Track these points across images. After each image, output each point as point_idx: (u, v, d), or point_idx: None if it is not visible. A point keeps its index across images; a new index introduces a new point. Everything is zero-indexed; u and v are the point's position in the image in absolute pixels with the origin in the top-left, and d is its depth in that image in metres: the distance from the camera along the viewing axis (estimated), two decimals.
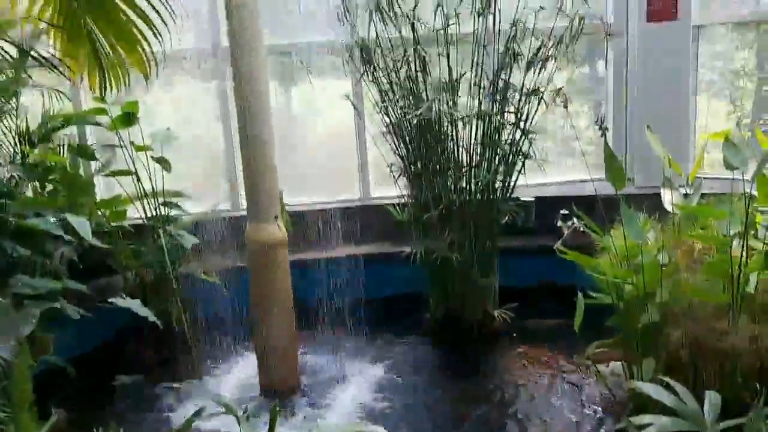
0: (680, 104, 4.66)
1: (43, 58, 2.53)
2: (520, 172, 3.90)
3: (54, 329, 3.14)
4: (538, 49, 3.74)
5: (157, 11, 2.02)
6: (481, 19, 3.77)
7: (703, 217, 2.95)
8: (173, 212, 3.93)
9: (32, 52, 2.36)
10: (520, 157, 3.86)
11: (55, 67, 2.48)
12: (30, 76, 3.04)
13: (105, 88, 2.18)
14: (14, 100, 3.53)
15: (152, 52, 2.13)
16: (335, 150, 5.11)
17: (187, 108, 4.98)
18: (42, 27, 2.03)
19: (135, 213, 4.00)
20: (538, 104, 3.76)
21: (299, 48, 4.59)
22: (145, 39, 2.09)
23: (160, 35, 2.10)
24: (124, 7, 1.99)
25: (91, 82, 2.21)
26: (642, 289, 2.79)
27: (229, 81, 4.46)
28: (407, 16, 3.81)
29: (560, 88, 3.64)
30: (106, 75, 2.16)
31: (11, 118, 3.59)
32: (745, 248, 2.62)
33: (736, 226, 2.74)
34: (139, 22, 2.04)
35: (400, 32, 3.84)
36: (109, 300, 3.07)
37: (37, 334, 3.03)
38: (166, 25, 2.08)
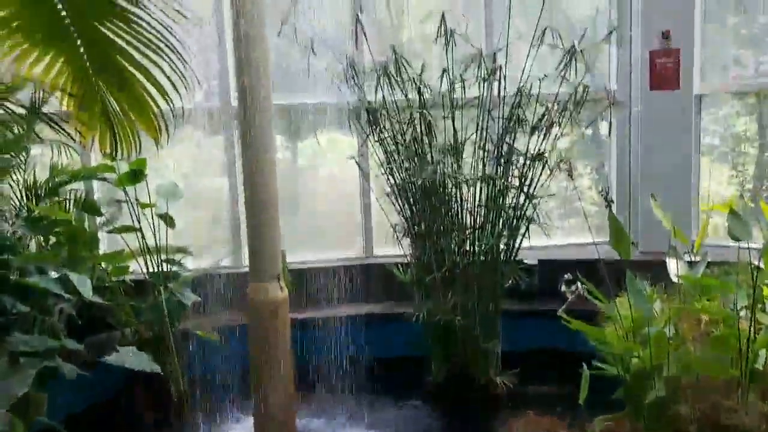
0: (683, 169, 4.69)
1: (54, 122, 2.56)
2: (523, 236, 3.89)
3: (51, 387, 3.08)
4: (543, 115, 3.79)
5: (170, 79, 2.05)
6: (486, 84, 3.84)
7: (710, 290, 2.93)
8: (175, 269, 3.91)
9: (44, 114, 2.40)
10: (524, 221, 3.87)
11: (67, 132, 2.52)
12: (37, 135, 3.08)
13: (115, 151, 2.20)
14: (23, 154, 3.58)
15: (163, 119, 2.15)
16: (339, 207, 5.12)
17: (194, 161, 5.02)
18: (56, 93, 2.06)
19: (138, 267, 3.97)
20: (542, 169, 3.79)
21: (308, 108, 4.66)
22: (157, 105, 2.11)
23: (172, 102, 2.13)
24: (138, 75, 2.02)
25: (102, 144, 2.23)
26: (649, 362, 2.74)
27: (237, 139, 4.56)
28: (414, 81, 3.88)
29: (564, 157, 3.67)
30: (117, 138, 2.17)
31: (20, 172, 3.63)
32: (753, 323, 2.59)
33: (744, 300, 2.72)
34: (151, 89, 2.07)
35: (406, 96, 3.90)
36: (101, 358, 3.03)
37: (31, 394, 2.97)
38: (177, 92, 2.11)
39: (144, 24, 1.91)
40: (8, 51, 2.02)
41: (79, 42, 1.96)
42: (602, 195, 2.69)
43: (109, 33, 1.93)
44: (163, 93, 2.10)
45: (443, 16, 3.83)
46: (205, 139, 4.88)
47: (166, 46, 2.00)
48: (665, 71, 4.51)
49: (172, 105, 2.15)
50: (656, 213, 3.16)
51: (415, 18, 5.26)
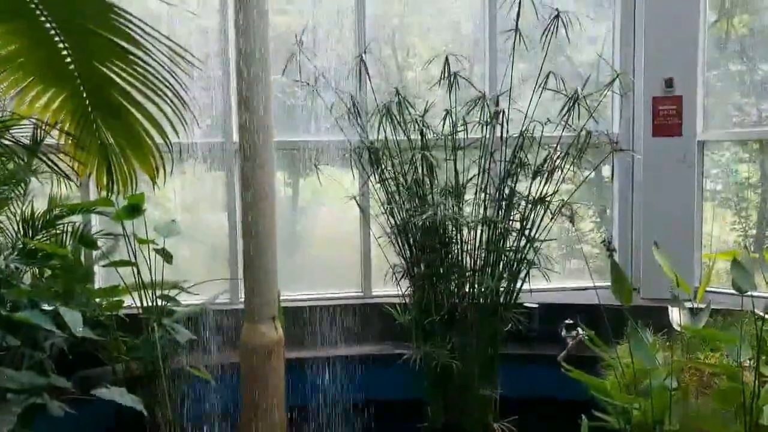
0: (685, 215, 4.67)
1: (49, 159, 2.56)
2: (524, 279, 3.85)
3: (39, 426, 3.01)
4: (545, 159, 3.77)
5: (168, 118, 2.04)
6: (488, 127, 3.83)
7: (713, 341, 2.88)
8: (170, 305, 3.86)
9: (41, 150, 2.40)
10: (524, 264, 3.82)
11: (61, 170, 2.51)
12: (36, 169, 3.06)
13: (112, 189, 2.18)
14: (22, 186, 3.57)
15: (161, 157, 2.14)
16: (339, 245, 5.09)
17: (195, 195, 5.01)
18: (53, 132, 2.06)
19: (132, 301, 3.93)
20: (544, 213, 3.76)
21: (309, 146, 4.67)
22: (154, 144, 2.10)
23: (169, 142, 2.12)
24: (136, 113, 2.01)
25: (98, 180, 2.22)
26: (650, 415, 2.67)
27: (237, 175, 4.55)
28: (416, 122, 3.88)
29: (566, 202, 3.65)
30: (114, 175, 2.16)
31: (17, 204, 3.61)
32: (757, 376, 2.53)
33: (748, 351, 2.67)
34: (150, 128, 2.06)
35: (408, 136, 3.90)
36: (92, 392, 2.97)
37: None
38: (176, 131, 2.10)
39: (144, 64, 1.90)
40: (8, 87, 2.02)
41: (79, 81, 1.96)
42: (605, 244, 2.65)
43: (109, 73, 1.92)
44: (162, 132, 2.09)
45: (447, 59, 3.85)
46: (206, 173, 4.87)
47: (166, 86, 1.99)
48: (668, 118, 4.51)
49: (169, 145, 2.14)
50: (658, 260, 3.13)
51: (419, 58, 5.31)
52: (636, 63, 4.75)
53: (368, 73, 4.06)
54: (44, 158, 2.66)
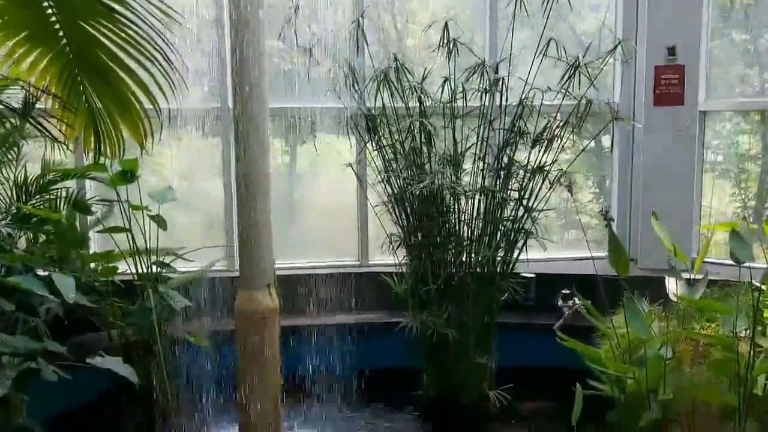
0: (685, 186, 4.63)
1: (38, 122, 2.52)
2: (521, 249, 3.82)
3: (31, 389, 3.02)
4: (544, 128, 3.72)
5: (156, 81, 1.99)
6: (488, 95, 3.77)
7: (709, 311, 2.87)
8: (165, 271, 3.84)
9: (32, 115, 2.36)
10: (522, 234, 3.80)
11: (49, 133, 2.47)
12: (28, 134, 3.02)
13: (100, 152, 2.14)
14: (14, 150, 3.53)
15: (149, 122, 2.10)
16: (335, 214, 5.06)
17: (190, 162, 4.96)
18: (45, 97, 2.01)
19: (127, 268, 3.91)
20: (542, 182, 3.72)
21: (306, 112, 4.60)
22: (144, 110, 2.06)
23: (157, 105, 2.07)
24: (123, 76, 1.96)
25: (86, 144, 2.17)
26: (644, 385, 2.67)
27: (232, 142, 4.50)
28: (414, 89, 3.82)
29: (564, 171, 3.61)
30: (102, 140, 2.11)
31: (10, 169, 3.57)
32: (752, 347, 2.52)
33: (744, 322, 2.66)
34: (137, 91, 2.01)
35: (406, 104, 3.84)
36: (88, 360, 2.97)
37: (10, 396, 2.92)
38: (165, 98, 2.05)
39: (132, 24, 1.85)
40: None
41: (65, 41, 1.91)
42: (602, 214, 2.62)
43: (95, 32, 1.87)
44: (150, 97, 2.04)
45: (446, 25, 3.77)
46: (203, 140, 4.82)
47: (155, 48, 1.94)
48: (670, 87, 4.44)
49: (158, 109, 2.09)
50: (656, 230, 3.10)
51: (418, 25, 5.22)
52: (639, 31, 4.66)
53: (366, 39, 3.98)
54: (33, 122, 2.61)
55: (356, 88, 3.95)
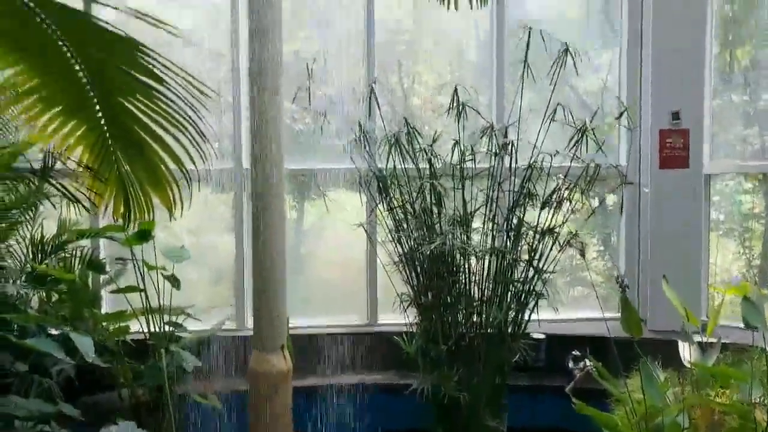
0: (693, 247, 4.67)
1: (65, 188, 2.58)
2: (532, 311, 3.84)
3: None
4: (553, 190, 3.79)
5: (187, 151, 2.06)
6: (497, 157, 3.86)
7: (724, 377, 2.87)
8: (176, 331, 3.85)
9: (53, 178, 2.43)
10: (532, 295, 3.82)
11: (76, 199, 2.53)
12: (46, 194, 3.08)
13: (129, 219, 2.19)
14: (32, 210, 3.58)
15: (179, 190, 2.16)
16: (345, 271, 5.08)
17: (201, 218, 5.01)
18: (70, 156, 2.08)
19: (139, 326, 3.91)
20: (552, 244, 3.77)
21: (318, 173, 4.69)
22: (173, 177, 2.12)
23: (188, 173, 2.13)
24: (155, 146, 2.03)
25: (115, 212, 2.23)
26: None
27: (246, 199, 4.57)
28: (425, 151, 3.91)
29: (575, 234, 3.66)
30: (132, 207, 2.17)
31: (27, 228, 3.62)
32: None
33: (759, 388, 2.66)
34: (168, 160, 2.08)
35: (417, 165, 3.92)
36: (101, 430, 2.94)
37: None
38: (194, 163, 2.11)
39: (165, 99, 1.93)
40: (29, 120, 2.04)
41: (100, 114, 1.98)
42: (617, 282, 2.65)
43: (131, 106, 1.94)
44: (179, 164, 2.11)
45: (456, 89, 3.89)
46: (212, 195, 4.89)
47: (185, 119, 2.01)
48: (675, 150, 4.54)
49: (188, 176, 2.16)
50: (668, 295, 3.13)
51: (424, 86, 5.36)
52: (643, 95, 4.78)
53: (378, 103, 4.10)
54: (56, 185, 2.68)
55: (368, 150, 4.04)
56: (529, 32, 3.76)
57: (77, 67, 1.82)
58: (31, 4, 1.53)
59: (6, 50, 1.79)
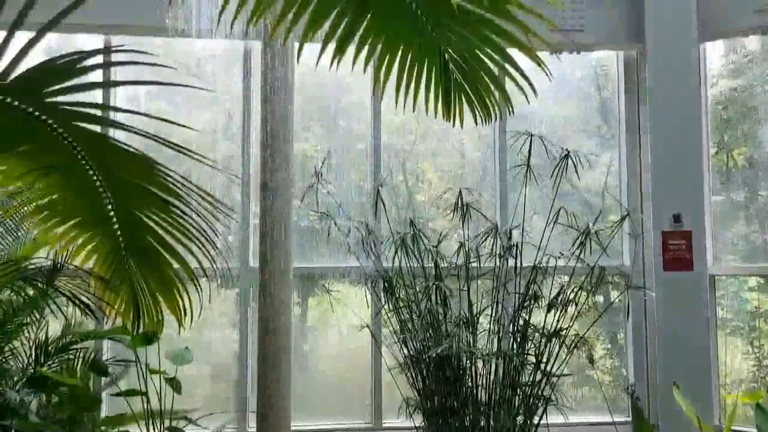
0: (701, 348, 4.61)
1: (74, 296, 2.61)
2: (541, 417, 3.76)
3: None
4: (559, 292, 3.80)
5: (199, 262, 2.09)
6: (501, 259, 3.90)
7: None
8: None
9: (59, 285, 2.47)
10: (541, 400, 3.75)
11: (85, 305, 2.55)
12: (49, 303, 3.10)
13: (137, 326, 2.20)
14: (37, 312, 3.58)
15: (189, 300, 2.17)
16: (349, 372, 5.00)
17: (206, 313, 4.96)
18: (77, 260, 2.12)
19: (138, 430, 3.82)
20: (560, 348, 3.74)
21: (324, 272, 4.72)
22: (185, 289, 2.14)
23: (200, 286, 2.16)
24: (169, 258, 2.06)
25: (125, 318, 2.23)
26: None
27: (252, 298, 4.57)
28: (430, 252, 3.95)
29: (581, 337, 3.64)
30: (141, 316, 2.18)
31: (31, 329, 3.61)
32: None
33: None
34: (180, 271, 2.11)
35: (422, 265, 3.95)
36: None
37: None
38: (205, 274, 2.14)
39: (182, 213, 1.98)
40: (45, 231, 2.08)
41: (116, 226, 2.03)
42: (629, 392, 2.62)
43: (146, 219, 1.99)
44: (191, 275, 2.13)
45: (461, 192, 3.98)
46: (216, 290, 4.88)
47: (199, 231, 2.06)
48: (678, 252, 4.57)
49: (199, 287, 2.18)
50: (680, 403, 3.07)
51: (428, 184, 5.47)
52: (644, 197, 4.86)
53: (384, 203, 4.18)
54: (65, 291, 2.70)
55: (373, 249, 4.08)
56: (531, 139, 3.88)
57: (98, 184, 1.88)
58: (59, 129, 1.61)
59: (28, 169, 1.86)
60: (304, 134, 5.19)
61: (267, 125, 3.31)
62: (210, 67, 5.05)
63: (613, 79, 5.22)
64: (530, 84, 1.93)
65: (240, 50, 4.82)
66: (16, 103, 1.49)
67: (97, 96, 4.12)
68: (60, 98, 1.47)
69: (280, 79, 3.51)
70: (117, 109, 3.05)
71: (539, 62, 1.87)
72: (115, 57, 4.35)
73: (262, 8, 1.77)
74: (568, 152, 3.85)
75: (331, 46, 1.83)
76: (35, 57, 1.49)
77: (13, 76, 1.47)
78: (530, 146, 3.90)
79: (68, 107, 1.48)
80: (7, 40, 1.45)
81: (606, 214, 5.02)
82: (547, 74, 1.90)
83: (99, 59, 1.66)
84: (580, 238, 3.79)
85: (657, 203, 4.67)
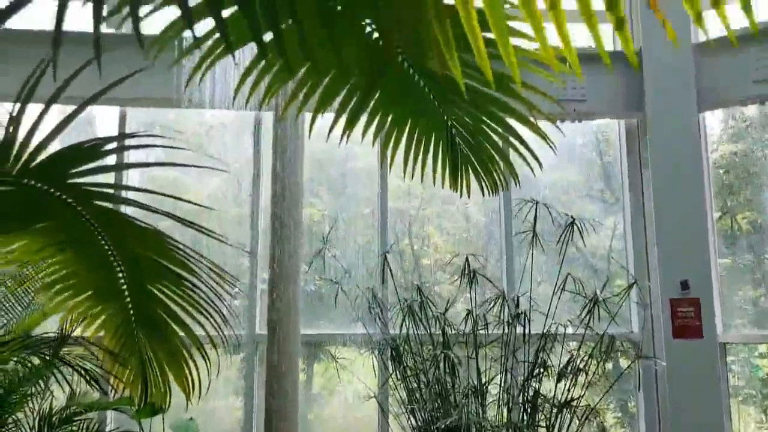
0: (714, 416, 4.51)
1: (82, 368, 2.60)
2: None
3: None
4: (568, 361, 3.76)
5: (209, 336, 2.09)
6: (510, 326, 3.88)
7: None
8: None
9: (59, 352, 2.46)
10: None
11: (93, 378, 2.54)
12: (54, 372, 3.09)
13: (146, 401, 2.19)
14: (41, 382, 3.55)
15: (198, 373, 2.17)
16: None
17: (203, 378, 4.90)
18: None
19: None
20: (571, 419, 3.67)
21: (330, 338, 4.68)
22: (193, 361, 2.14)
23: (208, 360, 2.16)
24: (178, 331, 2.07)
25: (132, 391, 2.22)
26: None
27: (257, 363, 4.52)
28: (438, 319, 3.93)
29: (593, 408, 3.58)
30: (149, 390, 2.17)
31: (36, 400, 3.57)
32: None
33: None
34: (189, 343, 2.11)
35: (430, 333, 3.93)
36: None
37: None
38: (215, 349, 2.14)
39: (193, 287, 2.00)
40: (56, 306, 2.10)
41: (128, 300, 2.04)
42: None
43: (158, 293, 2.01)
44: (201, 349, 2.13)
45: (467, 259, 3.99)
46: (221, 356, 4.82)
47: (209, 304, 2.07)
48: (687, 320, 4.53)
49: (208, 361, 2.17)
50: None
51: (435, 248, 5.48)
52: (650, 263, 4.86)
53: (391, 270, 4.19)
54: (72, 364, 2.70)
55: (380, 317, 4.07)
56: (536, 206, 3.92)
57: (112, 258, 1.91)
58: (78, 207, 1.65)
59: (45, 244, 1.89)
60: (311, 199, 5.26)
61: (277, 193, 3.36)
62: (220, 135, 5.16)
63: (615, 145, 5.30)
64: (534, 156, 1.99)
65: (251, 119, 4.94)
66: (39, 185, 1.54)
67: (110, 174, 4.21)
68: (79, 180, 1.52)
69: (291, 149, 3.59)
70: (130, 188, 3.11)
71: (544, 136, 1.94)
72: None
73: (273, 90, 1.84)
74: (573, 219, 3.88)
75: (342, 118, 1.89)
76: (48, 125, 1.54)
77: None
78: (535, 213, 3.93)
79: (87, 187, 1.52)
80: (42, 114, 1.50)
81: (612, 278, 5.01)
82: (551, 147, 1.95)
83: (115, 144, 1.72)
84: (588, 305, 3.78)
85: (664, 269, 4.65)
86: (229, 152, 5.12)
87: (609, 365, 5.10)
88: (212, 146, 5.13)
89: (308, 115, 1.86)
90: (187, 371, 2.14)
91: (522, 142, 2.00)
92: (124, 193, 1.94)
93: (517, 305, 3.91)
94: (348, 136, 1.95)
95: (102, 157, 1.51)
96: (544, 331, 3.81)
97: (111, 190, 1.59)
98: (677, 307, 4.56)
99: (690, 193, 4.72)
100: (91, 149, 1.44)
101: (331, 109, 1.86)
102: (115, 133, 4.62)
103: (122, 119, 4.81)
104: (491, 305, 3.93)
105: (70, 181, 1.49)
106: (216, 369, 2.25)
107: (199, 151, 4.65)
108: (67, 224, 1.75)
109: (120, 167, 2.78)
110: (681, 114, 4.75)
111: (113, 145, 1.61)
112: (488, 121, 1.96)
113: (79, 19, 1.61)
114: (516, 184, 2.17)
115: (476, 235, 5.52)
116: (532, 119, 1.88)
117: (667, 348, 4.56)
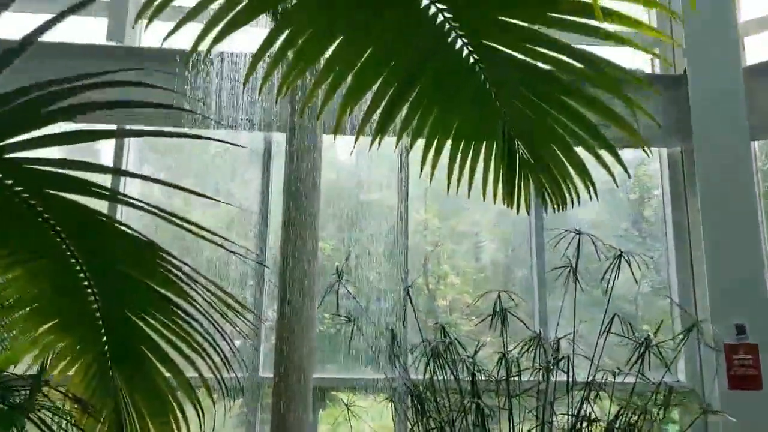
0: None
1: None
2: None
3: None
4: (617, 414, 3.27)
5: (202, 377, 1.65)
6: (547, 373, 3.40)
7: None
8: None
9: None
10: None
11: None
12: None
13: None
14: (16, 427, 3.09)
15: (186, 424, 1.72)
16: None
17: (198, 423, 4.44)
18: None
19: None
20: None
21: (344, 383, 4.22)
22: (180, 408, 1.69)
23: (200, 407, 1.71)
24: (163, 371, 1.63)
25: None
26: None
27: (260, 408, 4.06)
28: (466, 364, 3.47)
29: None
30: None
31: None
32: None
33: None
34: (176, 384, 1.67)
35: (457, 379, 3.46)
36: None
37: None
38: (210, 396, 1.70)
39: (183, 314, 1.56)
40: (19, 333, 1.67)
41: (103, 330, 1.61)
42: None
43: (141, 323, 1.58)
44: (193, 398, 1.69)
45: (499, 295, 3.55)
46: (217, 401, 4.37)
47: (204, 338, 1.63)
48: (744, 369, 4.01)
49: (201, 412, 1.72)
50: None
51: (453, 286, 5.08)
52: (698, 301, 4.39)
53: (413, 306, 3.76)
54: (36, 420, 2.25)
55: (400, 360, 3.61)
56: (579, 237, 3.49)
57: (82, 276, 1.49)
58: (32, 201, 1.23)
59: None
60: (320, 233, 4.85)
61: (289, 223, 2.96)
62: (227, 159, 4.79)
63: (656, 176, 4.91)
64: (590, 179, 1.64)
65: (260, 142, 4.59)
66: None
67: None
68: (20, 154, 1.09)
69: (304, 174, 3.20)
70: (120, 194, 2.69)
71: (620, 159, 1.58)
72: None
73: (291, 79, 1.44)
74: (621, 252, 3.44)
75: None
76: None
77: None
78: (578, 246, 3.49)
79: (29, 165, 1.10)
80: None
81: (638, 321, 4.57)
82: (625, 170, 1.62)
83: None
84: (639, 349, 3.31)
85: (716, 312, 4.16)
86: (237, 179, 4.77)
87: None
88: (218, 173, 4.79)
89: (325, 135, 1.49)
90: (173, 422, 1.70)
91: (598, 157, 1.63)
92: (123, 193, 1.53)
93: (557, 349, 3.44)
94: (380, 142, 1.56)
95: (52, 122, 1.06)
96: (588, 378, 3.33)
97: (68, 171, 1.15)
98: (733, 354, 4.05)
99: (743, 229, 4.26)
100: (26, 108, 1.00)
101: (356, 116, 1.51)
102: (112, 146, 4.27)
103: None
104: (526, 349, 3.46)
105: (6, 156, 1.06)
106: (212, 419, 1.80)
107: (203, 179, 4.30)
108: (13, 225, 1.32)
109: (109, 170, 2.38)
110: (731, 143, 4.33)
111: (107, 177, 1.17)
112: (564, 119, 1.56)
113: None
114: (577, 203, 1.78)
115: (493, 274, 5.10)
116: (634, 125, 1.50)
117: (722, 399, 4.04)
